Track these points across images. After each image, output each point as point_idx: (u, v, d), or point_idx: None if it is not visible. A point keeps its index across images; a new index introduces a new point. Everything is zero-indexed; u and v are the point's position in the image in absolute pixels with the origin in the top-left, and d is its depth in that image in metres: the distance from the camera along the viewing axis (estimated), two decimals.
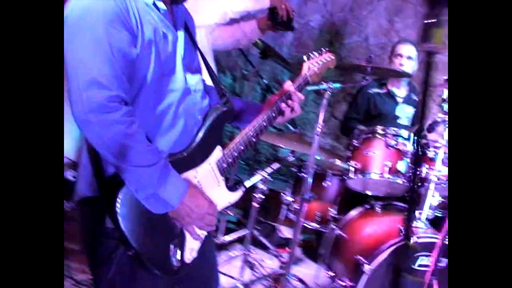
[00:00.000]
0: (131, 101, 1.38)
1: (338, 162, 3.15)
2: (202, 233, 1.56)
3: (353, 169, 2.92)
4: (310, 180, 2.71)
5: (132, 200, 1.36)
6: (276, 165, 3.09)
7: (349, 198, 3.23)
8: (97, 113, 1.28)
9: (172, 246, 1.47)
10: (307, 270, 3.41)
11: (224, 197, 1.64)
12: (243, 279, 3.00)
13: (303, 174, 3.19)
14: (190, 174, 1.51)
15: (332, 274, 3.00)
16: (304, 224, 3.18)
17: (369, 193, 3.14)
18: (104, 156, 1.36)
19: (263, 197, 3.09)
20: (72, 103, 1.29)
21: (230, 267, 3.25)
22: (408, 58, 3.67)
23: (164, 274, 1.45)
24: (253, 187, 3.05)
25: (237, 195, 1.69)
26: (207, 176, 1.57)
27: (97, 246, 1.43)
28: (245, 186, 1.73)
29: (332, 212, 3.12)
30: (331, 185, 3.17)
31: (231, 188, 1.67)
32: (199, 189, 1.50)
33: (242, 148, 1.64)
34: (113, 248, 1.39)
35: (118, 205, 1.34)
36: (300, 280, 2.84)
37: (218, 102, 1.69)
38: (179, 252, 1.50)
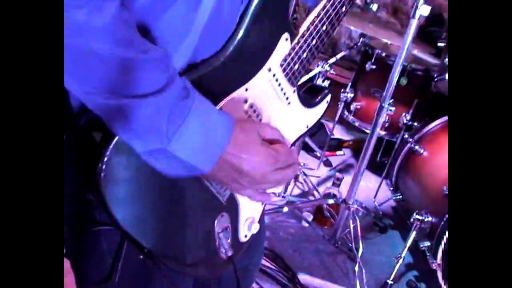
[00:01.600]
0: None
1: (423, 55, 2.39)
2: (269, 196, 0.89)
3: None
4: (394, 83, 1.96)
5: (131, 157, 0.66)
6: (341, 53, 2.33)
7: (430, 103, 2.50)
8: None
9: (217, 227, 0.82)
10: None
11: (299, 120, 0.94)
12: (287, 195, 2.42)
13: (371, 66, 2.46)
14: (235, 98, 0.77)
15: (399, 196, 2.41)
16: (364, 129, 2.55)
17: None
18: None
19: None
20: None
21: None
22: None
23: (207, 276, 0.82)
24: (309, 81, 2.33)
25: (319, 110, 0.98)
26: (267, 92, 0.83)
27: (80, 234, 0.77)
28: (329, 93, 1.02)
29: (406, 118, 2.43)
30: (407, 83, 2.41)
31: (309, 101, 0.96)
32: (251, 127, 0.76)
33: (324, 28, 0.87)
34: (111, 245, 0.74)
35: (102, 176, 0.64)
36: (364, 207, 2.25)
37: None
38: (229, 232, 0.85)
